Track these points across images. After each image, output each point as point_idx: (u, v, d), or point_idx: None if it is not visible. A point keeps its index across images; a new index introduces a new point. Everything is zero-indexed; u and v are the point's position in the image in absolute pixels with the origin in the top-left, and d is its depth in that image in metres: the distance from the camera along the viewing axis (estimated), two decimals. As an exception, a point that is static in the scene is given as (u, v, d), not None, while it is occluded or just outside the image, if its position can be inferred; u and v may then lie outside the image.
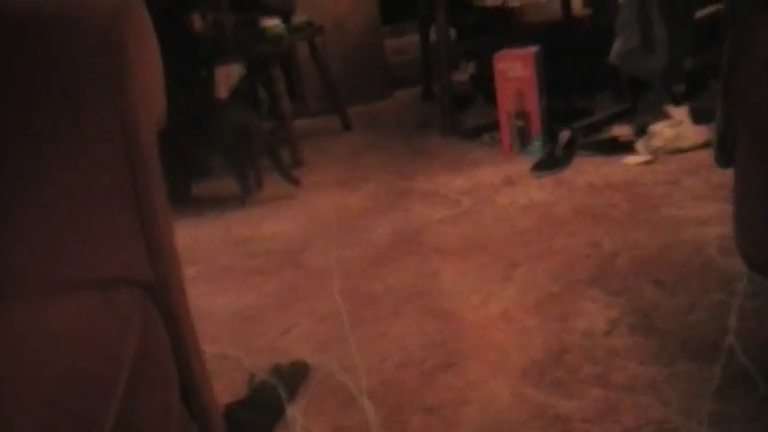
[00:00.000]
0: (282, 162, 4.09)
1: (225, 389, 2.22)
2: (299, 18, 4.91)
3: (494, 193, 3.59)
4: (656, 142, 3.81)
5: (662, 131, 3.85)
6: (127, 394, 1.01)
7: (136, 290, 1.01)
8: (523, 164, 3.86)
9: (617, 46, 3.99)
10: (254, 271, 3.14)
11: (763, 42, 2.01)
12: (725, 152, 3.43)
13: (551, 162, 3.82)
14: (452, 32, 5.14)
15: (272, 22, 4.58)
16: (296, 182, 3.98)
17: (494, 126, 4.23)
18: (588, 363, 2.18)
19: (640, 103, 4.30)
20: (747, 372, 2.05)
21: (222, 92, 5.17)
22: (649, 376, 2.08)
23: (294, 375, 2.32)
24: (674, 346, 2.21)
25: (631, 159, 3.75)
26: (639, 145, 3.85)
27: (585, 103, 4.50)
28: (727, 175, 2.70)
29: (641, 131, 3.95)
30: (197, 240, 3.51)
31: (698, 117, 3.87)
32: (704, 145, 3.72)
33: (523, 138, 4.04)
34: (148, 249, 1.12)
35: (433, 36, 5.05)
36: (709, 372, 2.06)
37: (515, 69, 3.99)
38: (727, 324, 2.25)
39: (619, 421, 1.93)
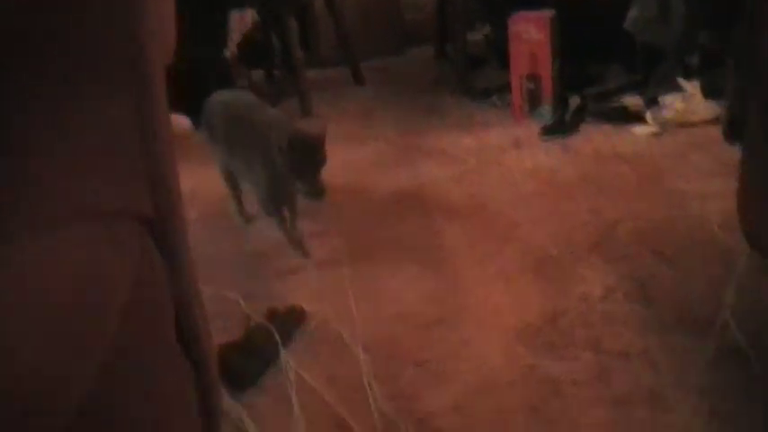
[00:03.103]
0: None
1: (220, 331, 2.24)
2: (316, -33, 4.87)
3: (500, 154, 3.58)
4: (666, 114, 3.79)
5: (672, 104, 3.83)
6: (121, 326, 1.02)
7: (136, 224, 1.01)
8: (532, 127, 3.84)
9: (633, 14, 3.97)
10: (254, 217, 3.15)
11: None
12: (734, 128, 3.43)
13: (560, 127, 3.80)
14: (469, -8, 5.09)
15: (289, -30, 4.54)
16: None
17: (505, 88, 4.21)
18: (582, 327, 2.19)
19: (653, 74, 4.26)
20: (740, 348, 2.06)
21: (235, 38, 5.15)
22: (642, 344, 2.10)
23: (290, 321, 2.34)
24: (669, 317, 2.22)
25: (640, 130, 3.74)
26: (649, 116, 3.82)
27: (598, 70, 4.46)
28: (734, 152, 2.70)
29: (652, 102, 3.92)
30: (200, 184, 3.50)
31: (710, 92, 3.84)
32: (714, 120, 3.70)
33: (534, 101, 4.02)
34: (151, 184, 1.11)
35: (449, -6, 5.01)
36: (702, 345, 2.07)
37: (530, 32, 3.96)
38: (724, 299, 2.26)
39: (609, 386, 1.95)
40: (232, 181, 3.08)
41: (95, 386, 0.89)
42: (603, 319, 2.22)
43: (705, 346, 2.06)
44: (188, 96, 4.00)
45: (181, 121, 3.96)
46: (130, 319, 1.03)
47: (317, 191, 2.57)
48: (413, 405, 1.96)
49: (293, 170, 2.57)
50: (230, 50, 5.34)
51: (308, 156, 2.55)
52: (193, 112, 3.98)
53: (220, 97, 3.06)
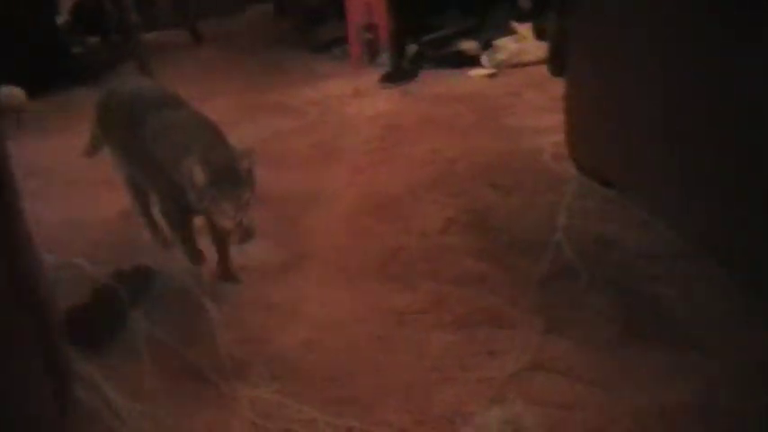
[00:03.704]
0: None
1: (69, 295, 2.19)
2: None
3: (342, 103, 3.62)
4: (500, 56, 3.90)
5: (506, 46, 3.95)
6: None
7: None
8: (372, 76, 3.89)
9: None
10: (101, 182, 3.07)
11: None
12: (557, 62, 3.57)
13: (399, 75, 3.86)
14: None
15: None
16: None
17: (345, 40, 4.24)
18: (422, 260, 2.26)
19: (488, 19, 4.37)
20: (572, 265, 2.16)
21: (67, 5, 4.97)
22: (479, 270, 2.18)
23: (137, 280, 2.31)
24: (505, 243, 2.31)
25: (476, 72, 3.84)
26: (484, 59, 3.93)
27: (434, 18, 4.54)
28: (563, 89, 2.81)
29: (487, 46, 4.03)
30: (39, 154, 3.40)
31: (541, 34, 3.97)
32: (546, 60, 3.84)
33: (372, 51, 4.07)
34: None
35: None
36: (536, 266, 2.17)
37: (365, -18, 4.00)
38: (556, 223, 2.36)
39: (450, 311, 2.02)
40: (136, 190, 2.51)
41: None
42: (442, 251, 2.29)
43: (539, 266, 2.16)
44: (20, 66, 3.87)
45: (14, 93, 3.82)
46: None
47: (243, 231, 2.04)
48: (264, 347, 1.98)
49: (207, 201, 2.00)
50: (62, 17, 5.18)
51: (226, 185, 1.99)
52: (27, 82, 3.85)
53: (121, 89, 2.47)
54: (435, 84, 3.74)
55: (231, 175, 1.99)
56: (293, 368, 1.88)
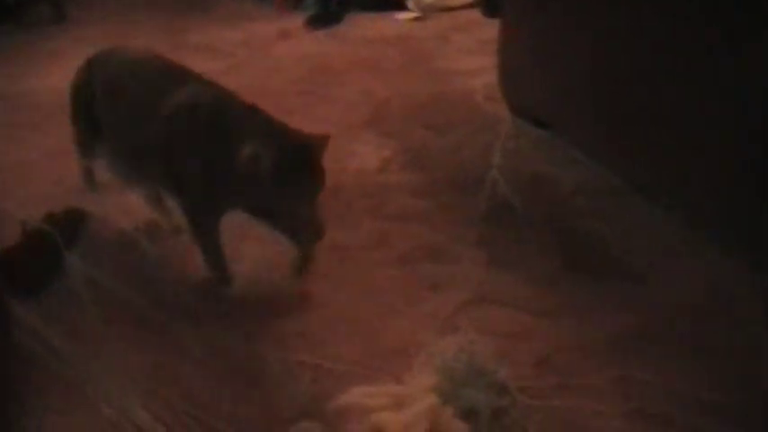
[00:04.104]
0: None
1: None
2: None
3: (269, 46, 3.57)
4: (427, 0, 3.90)
5: (433, -11, 3.94)
6: None
7: None
8: (299, 19, 3.84)
9: None
10: (22, 125, 2.98)
11: None
12: (490, 3, 3.59)
13: (325, 17, 3.82)
14: None
15: None
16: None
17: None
18: (362, 198, 2.26)
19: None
20: (509, 201, 2.20)
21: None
22: (420, 207, 2.20)
23: (70, 222, 2.25)
24: (443, 181, 2.33)
25: (403, 15, 3.83)
26: (410, 2, 3.92)
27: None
28: (493, 32, 2.83)
29: (413, -11, 4.02)
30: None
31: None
32: (472, 4, 3.85)
33: (297, -8, 4.02)
34: None
35: None
36: (474, 202, 2.20)
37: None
38: (491, 161, 2.39)
39: (393, 247, 2.04)
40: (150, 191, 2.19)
41: None
42: (382, 189, 2.30)
43: (477, 202, 2.18)
44: None
45: None
46: None
47: (315, 228, 1.83)
48: (206, 285, 1.96)
49: (278, 196, 1.75)
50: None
51: (302, 175, 1.75)
52: None
53: (113, 61, 2.13)
54: (362, 27, 3.72)
55: (307, 162, 1.74)
56: (239, 306, 1.87)
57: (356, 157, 2.48)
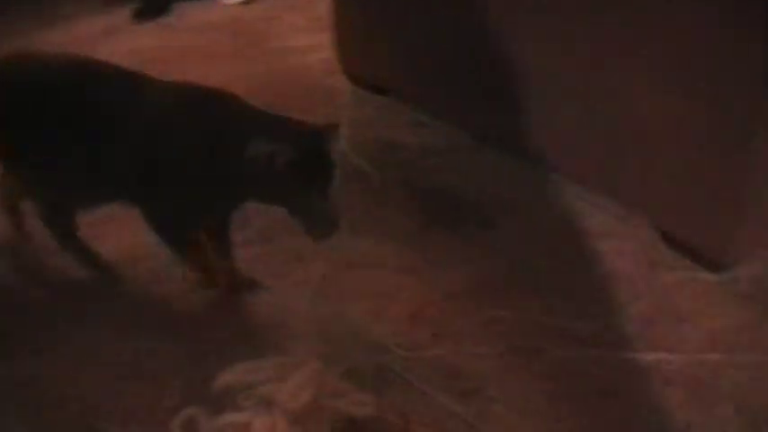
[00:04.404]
0: None
1: None
2: None
3: (94, 43, 3.44)
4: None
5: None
6: None
7: None
8: (124, 14, 3.73)
9: None
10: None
11: None
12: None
13: (152, 10, 3.73)
14: None
15: None
16: None
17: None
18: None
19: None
20: (362, 169, 2.22)
21: None
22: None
23: None
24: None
25: (230, 1, 3.79)
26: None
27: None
28: (323, 8, 2.84)
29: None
30: None
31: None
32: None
33: (119, -14, 3.90)
34: None
35: None
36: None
37: None
38: (338, 133, 2.40)
39: (251, 224, 2.02)
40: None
41: None
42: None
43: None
44: None
45: None
46: None
47: (330, 220, 1.64)
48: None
49: (291, 192, 1.61)
50: None
51: (318, 166, 1.62)
52: None
53: (38, 67, 1.81)
54: (190, 16, 3.64)
55: (320, 156, 1.61)
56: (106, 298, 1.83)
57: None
